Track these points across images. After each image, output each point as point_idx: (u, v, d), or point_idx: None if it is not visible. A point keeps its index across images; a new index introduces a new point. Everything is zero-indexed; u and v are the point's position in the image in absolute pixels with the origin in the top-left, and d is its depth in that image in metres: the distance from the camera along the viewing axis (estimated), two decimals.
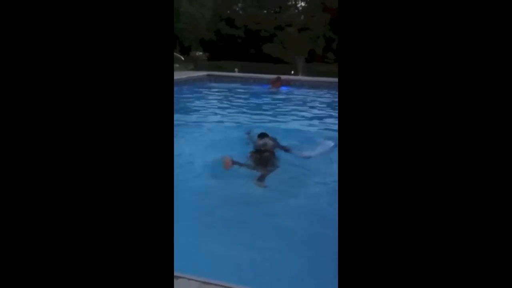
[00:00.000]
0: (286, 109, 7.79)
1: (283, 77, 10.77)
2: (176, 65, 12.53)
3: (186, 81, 10.81)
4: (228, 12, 24.15)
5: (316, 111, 7.73)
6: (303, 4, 25.02)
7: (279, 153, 3.72)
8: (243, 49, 23.33)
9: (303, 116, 6.98)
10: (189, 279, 1.68)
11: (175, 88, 9.30)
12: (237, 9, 25.04)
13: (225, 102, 8.67)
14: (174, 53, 12.56)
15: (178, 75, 11.19)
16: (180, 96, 8.68)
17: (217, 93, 9.97)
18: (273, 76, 10.67)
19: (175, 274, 1.69)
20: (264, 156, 3.37)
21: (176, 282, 1.66)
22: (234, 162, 3.28)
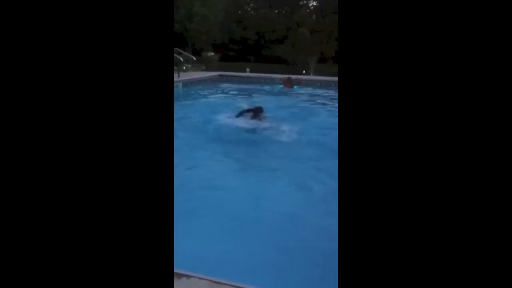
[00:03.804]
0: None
1: (293, 77, 10.76)
2: (188, 66, 12.60)
3: (199, 81, 10.90)
4: (240, 13, 24.21)
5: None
6: (314, 3, 24.92)
7: None
8: (254, 50, 23.37)
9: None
10: (200, 278, 1.69)
11: (189, 88, 9.50)
12: (249, 9, 25.08)
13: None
14: (186, 54, 12.63)
15: (191, 75, 11.26)
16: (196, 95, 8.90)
17: (230, 92, 10.05)
18: (284, 76, 10.67)
19: (186, 273, 1.70)
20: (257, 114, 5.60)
21: (187, 281, 1.67)
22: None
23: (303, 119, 6.17)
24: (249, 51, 23.31)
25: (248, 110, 5.72)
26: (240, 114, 5.68)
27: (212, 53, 18.92)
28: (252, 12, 24.45)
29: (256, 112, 5.67)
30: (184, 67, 11.49)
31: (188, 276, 1.69)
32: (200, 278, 1.69)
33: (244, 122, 5.50)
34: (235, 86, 11.11)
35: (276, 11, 24.14)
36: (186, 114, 6.00)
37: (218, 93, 10.02)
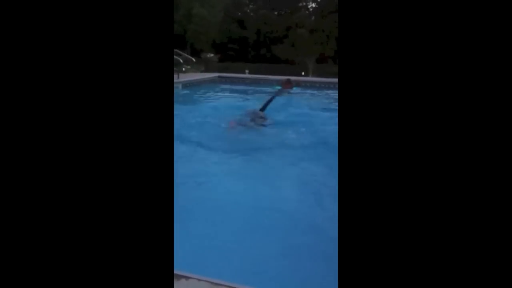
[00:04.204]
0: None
1: (292, 78, 10.77)
2: (187, 67, 12.60)
3: (199, 83, 10.91)
4: (239, 14, 24.23)
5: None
6: (313, 5, 24.96)
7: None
8: (253, 50, 23.39)
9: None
10: (199, 280, 1.69)
11: (189, 89, 9.60)
12: (248, 11, 25.10)
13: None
14: (185, 55, 12.62)
15: (190, 76, 11.26)
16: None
17: (229, 94, 10.09)
18: (283, 78, 10.67)
19: (185, 274, 1.70)
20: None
21: (186, 283, 1.67)
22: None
23: (302, 120, 6.23)
24: (248, 51, 23.33)
25: (267, 103, 5.93)
26: (265, 106, 5.93)
27: (212, 54, 18.94)
28: (252, 14, 24.46)
29: (257, 113, 5.83)
30: (183, 68, 11.50)
31: (187, 277, 1.69)
32: (199, 280, 1.69)
33: (245, 123, 5.56)
34: (235, 87, 11.12)
35: (276, 12, 24.16)
36: (186, 115, 6.03)
37: (218, 94, 10.03)
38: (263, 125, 5.65)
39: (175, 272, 1.65)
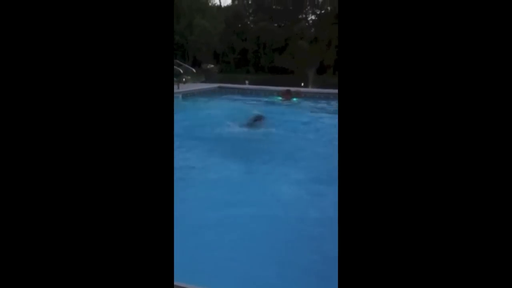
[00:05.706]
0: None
1: (292, 89, 10.81)
2: (188, 77, 12.66)
3: (199, 93, 10.96)
4: (240, 25, 24.43)
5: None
6: (313, 17, 25.18)
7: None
8: (254, 61, 23.54)
9: None
10: None
11: (189, 99, 9.59)
12: (249, 22, 25.31)
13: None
14: (186, 66, 12.70)
15: (190, 87, 11.31)
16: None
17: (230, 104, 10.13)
18: (283, 88, 10.72)
19: (181, 284, 1.69)
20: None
21: None
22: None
23: (299, 126, 6.33)
24: (248, 62, 23.48)
25: (256, 118, 6.08)
26: (250, 122, 6.03)
27: (212, 65, 19.03)
28: (252, 25, 24.65)
29: (258, 120, 6.03)
30: (184, 79, 11.55)
31: None
32: None
33: (244, 130, 5.66)
34: (235, 97, 11.16)
35: (276, 24, 24.35)
36: (186, 124, 6.06)
37: (218, 104, 10.07)
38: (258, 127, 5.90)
39: (174, 283, 1.65)
